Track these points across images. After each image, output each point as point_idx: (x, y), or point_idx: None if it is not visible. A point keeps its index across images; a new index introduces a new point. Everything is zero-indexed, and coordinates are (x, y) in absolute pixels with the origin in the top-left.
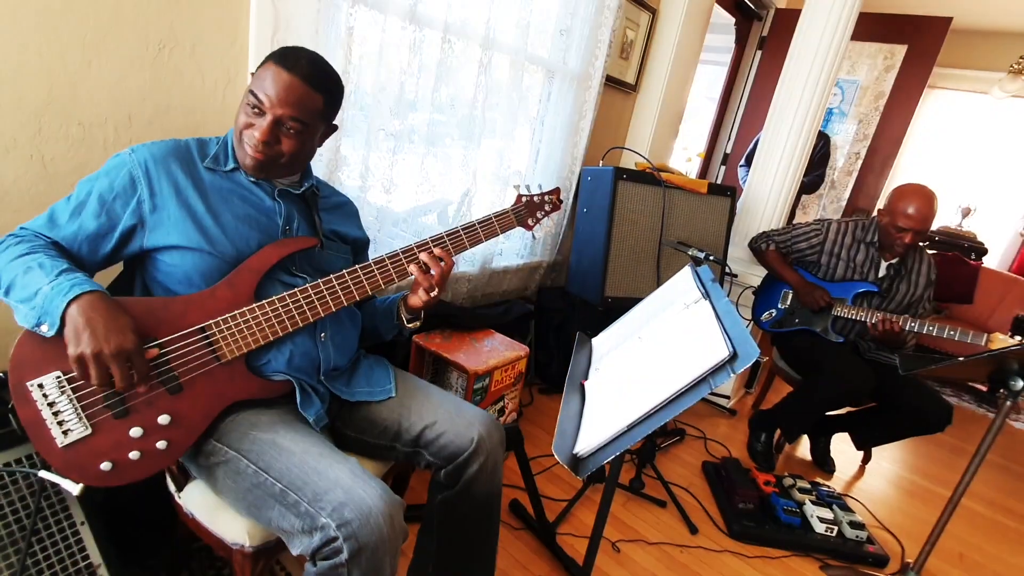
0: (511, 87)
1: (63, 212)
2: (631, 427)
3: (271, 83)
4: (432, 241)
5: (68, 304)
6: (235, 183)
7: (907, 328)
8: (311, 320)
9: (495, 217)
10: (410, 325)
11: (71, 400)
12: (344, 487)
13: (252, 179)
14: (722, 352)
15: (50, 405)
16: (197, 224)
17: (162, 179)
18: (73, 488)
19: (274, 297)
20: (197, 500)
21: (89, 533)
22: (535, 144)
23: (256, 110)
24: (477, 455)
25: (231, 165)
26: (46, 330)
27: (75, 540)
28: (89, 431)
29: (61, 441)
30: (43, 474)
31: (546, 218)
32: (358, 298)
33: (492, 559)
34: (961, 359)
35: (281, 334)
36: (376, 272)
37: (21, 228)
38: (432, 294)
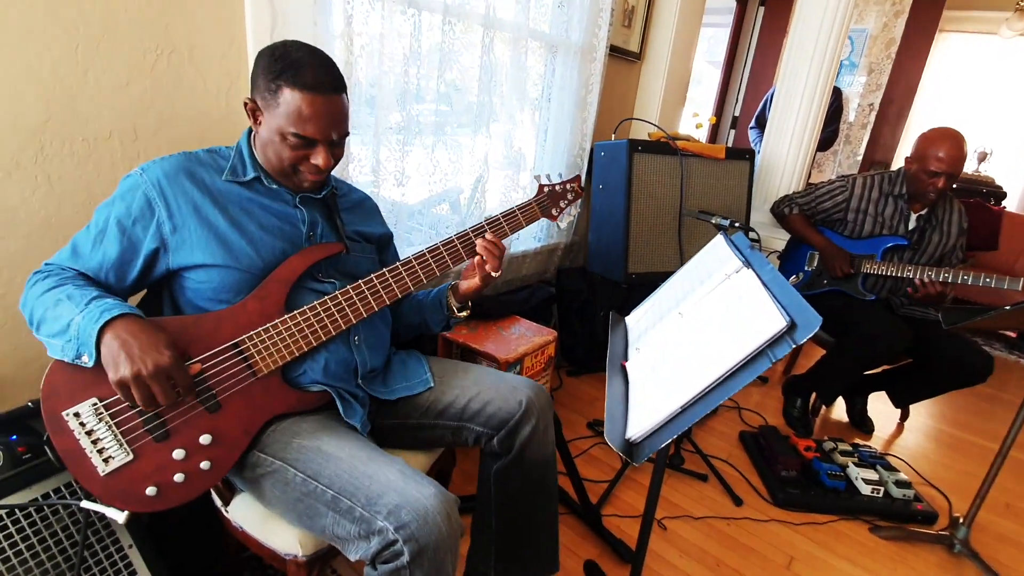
0: (515, 67)
1: (85, 242)
2: (685, 408)
3: (311, 114)
4: (473, 231)
5: (101, 331)
6: (255, 191)
7: (954, 281)
8: (343, 327)
9: (519, 209)
10: (461, 314)
11: (110, 427)
12: (397, 489)
13: (274, 185)
14: (778, 323)
15: (88, 434)
16: (220, 240)
17: (179, 197)
18: (119, 516)
19: (306, 307)
20: (245, 513)
21: (139, 556)
22: (543, 123)
23: (303, 142)
24: (528, 418)
25: (251, 175)
26: (87, 360)
27: (124, 565)
28: (131, 457)
29: (103, 470)
30: (86, 504)
31: (570, 207)
32: (389, 302)
33: (555, 533)
34: (1008, 308)
35: (315, 343)
36: (404, 273)
37: (46, 264)
38: (495, 273)
